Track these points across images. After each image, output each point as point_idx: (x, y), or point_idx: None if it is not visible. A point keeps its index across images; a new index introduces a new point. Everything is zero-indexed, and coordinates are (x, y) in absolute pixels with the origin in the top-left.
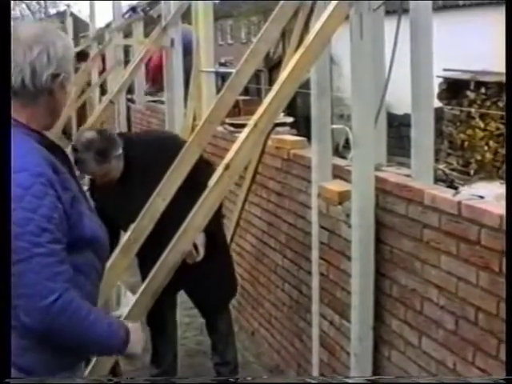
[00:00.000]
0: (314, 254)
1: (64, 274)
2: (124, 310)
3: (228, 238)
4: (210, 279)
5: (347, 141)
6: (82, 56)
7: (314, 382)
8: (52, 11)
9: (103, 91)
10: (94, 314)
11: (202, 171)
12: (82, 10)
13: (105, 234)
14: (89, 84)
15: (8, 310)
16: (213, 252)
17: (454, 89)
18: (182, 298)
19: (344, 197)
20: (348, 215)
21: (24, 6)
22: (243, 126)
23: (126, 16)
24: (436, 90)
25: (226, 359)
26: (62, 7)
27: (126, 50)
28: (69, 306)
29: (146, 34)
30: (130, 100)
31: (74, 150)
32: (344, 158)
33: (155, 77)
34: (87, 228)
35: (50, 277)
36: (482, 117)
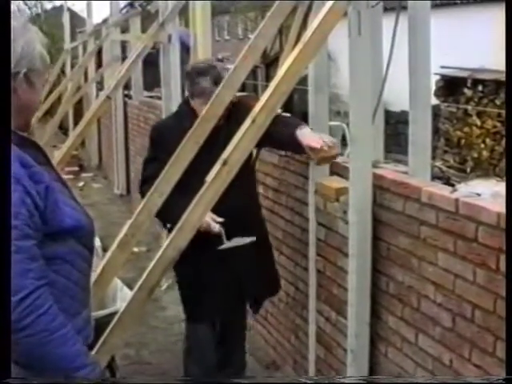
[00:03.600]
0: (311, 251)
1: (35, 271)
2: (121, 305)
3: None
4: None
5: (344, 137)
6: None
7: (309, 382)
8: (48, 6)
9: (100, 87)
10: (68, 329)
11: None
12: (76, 5)
13: (89, 221)
14: (86, 79)
15: (8, 310)
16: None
17: (451, 86)
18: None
19: (341, 193)
20: (345, 212)
21: (20, 1)
22: None
23: (124, 11)
24: (433, 88)
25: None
26: (58, 3)
27: (123, 46)
28: (39, 307)
29: (144, 30)
30: (127, 96)
31: (188, 74)
32: (341, 154)
33: None
34: (68, 217)
35: (20, 274)
36: (479, 114)
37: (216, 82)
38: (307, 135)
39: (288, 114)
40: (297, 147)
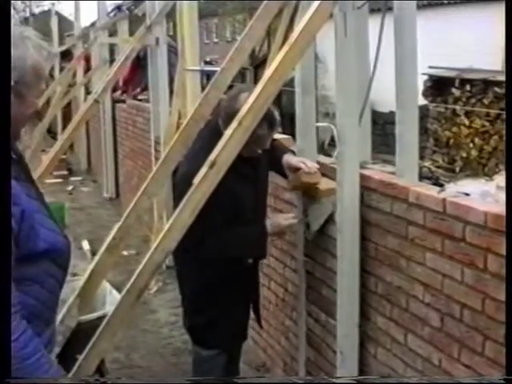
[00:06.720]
0: (300, 252)
1: None
2: (110, 309)
3: None
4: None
5: (332, 138)
6: (67, 55)
7: (300, 382)
8: (36, 10)
9: (88, 90)
10: (42, 354)
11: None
12: (64, 9)
13: (65, 240)
14: (74, 83)
15: (8, 310)
16: None
17: (439, 86)
18: (169, 296)
19: (329, 194)
20: (333, 213)
21: None
22: None
23: (111, 15)
24: (421, 88)
25: None
26: (46, 6)
27: (111, 49)
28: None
29: (131, 33)
30: (115, 99)
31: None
32: (329, 155)
33: (127, 81)
34: (41, 240)
35: None
36: (467, 114)
37: (272, 126)
38: (291, 159)
39: (287, 136)
40: (281, 172)
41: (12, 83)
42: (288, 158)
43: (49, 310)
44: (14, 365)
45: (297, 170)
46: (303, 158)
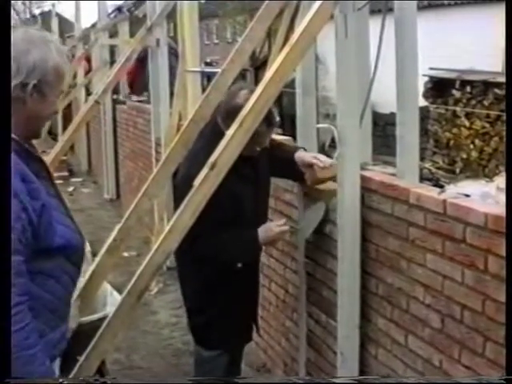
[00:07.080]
0: (300, 253)
1: (18, 286)
2: (111, 310)
3: None
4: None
5: (333, 140)
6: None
7: (300, 382)
8: (37, 11)
9: (89, 91)
10: (39, 349)
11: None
12: (65, 10)
13: (80, 238)
14: (74, 84)
15: (8, 310)
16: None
17: (439, 87)
18: (170, 297)
19: (330, 196)
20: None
21: None
22: None
23: (112, 16)
24: (421, 89)
25: None
26: (46, 7)
27: (112, 50)
28: (16, 323)
29: (132, 34)
30: (116, 100)
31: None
32: (330, 156)
33: (132, 82)
34: (58, 236)
35: None
36: (468, 115)
37: (270, 123)
38: (304, 155)
39: (288, 137)
40: (295, 172)
41: (35, 82)
42: (301, 155)
43: (64, 305)
44: (14, 353)
45: (311, 165)
46: (316, 154)
